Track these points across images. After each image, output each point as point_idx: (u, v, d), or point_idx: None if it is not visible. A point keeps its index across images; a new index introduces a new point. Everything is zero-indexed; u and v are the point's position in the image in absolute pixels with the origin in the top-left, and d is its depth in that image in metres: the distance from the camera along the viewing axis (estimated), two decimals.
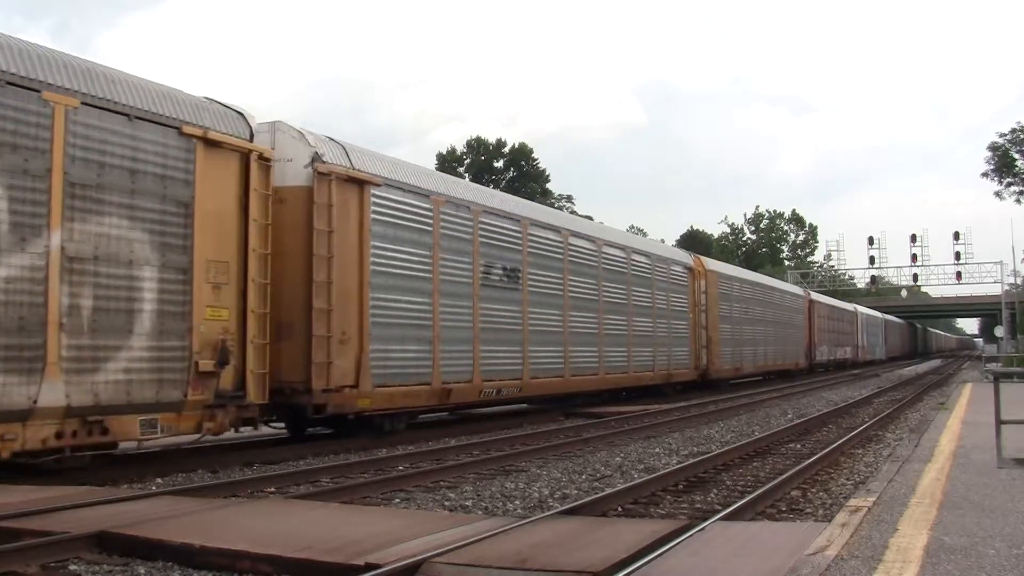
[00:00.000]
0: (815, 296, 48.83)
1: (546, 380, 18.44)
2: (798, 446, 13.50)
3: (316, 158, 12.67)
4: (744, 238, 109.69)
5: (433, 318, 14.77)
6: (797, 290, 46.48)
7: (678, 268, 26.54)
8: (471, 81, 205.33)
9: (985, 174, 56.34)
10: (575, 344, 19.53)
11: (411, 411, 14.84)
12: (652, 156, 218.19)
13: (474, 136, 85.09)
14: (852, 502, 7.20)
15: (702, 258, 30.45)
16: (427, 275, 14.73)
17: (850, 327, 56.31)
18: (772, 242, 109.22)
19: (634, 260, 23.25)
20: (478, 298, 16.07)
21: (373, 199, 13.52)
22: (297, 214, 12.47)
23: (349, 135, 15.14)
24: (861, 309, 62.26)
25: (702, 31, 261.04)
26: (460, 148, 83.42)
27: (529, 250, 17.91)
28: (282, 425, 13.60)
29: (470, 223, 16.00)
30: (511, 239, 17.38)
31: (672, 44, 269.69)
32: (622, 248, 22.97)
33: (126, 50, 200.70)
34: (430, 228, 14.84)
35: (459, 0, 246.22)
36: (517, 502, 8.76)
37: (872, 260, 72.64)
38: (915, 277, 73.08)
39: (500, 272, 16.91)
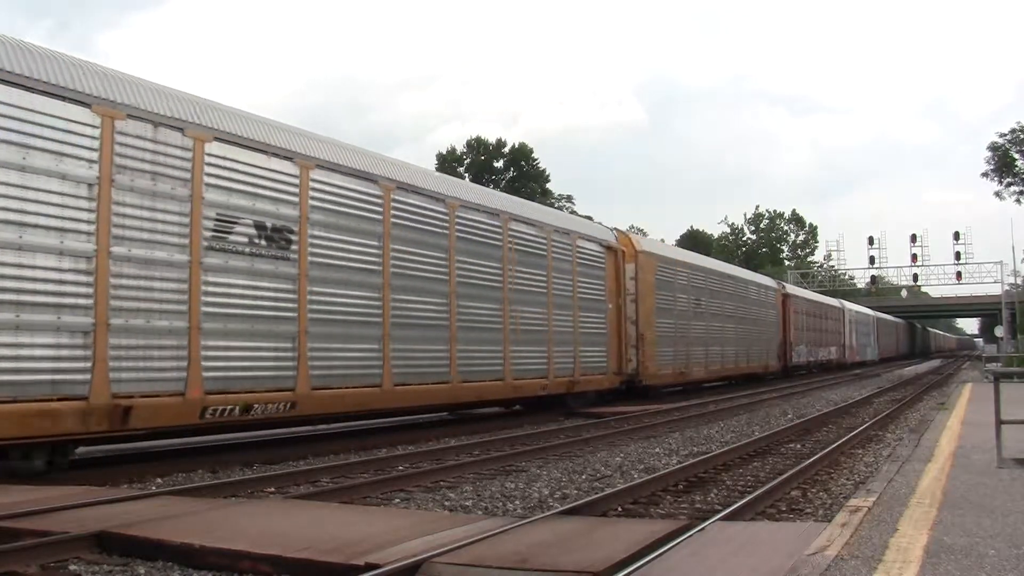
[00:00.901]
0: (792, 289, 43.94)
1: (339, 392, 12.86)
2: (798, 446, 13.50)
3: None
4: (744, 238, 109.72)
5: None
6: (768, 282, 40.67)
7: (590, 246, 20.86)
8: (472, 81, 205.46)
9: (985, 174, 56.45)
10: (409, 339, 14.41)
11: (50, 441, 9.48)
12: (652, 156, 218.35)
13: (474, 136, 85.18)
14: (852, 502, 7.20)
15: (634, 236, 25.32)
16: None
17: (836, 325, 51.29)
18: (772, 242, 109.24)
19: (515, 231, 17.72)
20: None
21: None
22: None
23: (349, 135, 15.12)
24: (849, 306, 57.56)
25: (703, 31, 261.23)
26: (460, 148, 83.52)
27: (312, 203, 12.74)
28: None
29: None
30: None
31: (673, 44, 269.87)
32: (493, 214, 17.14)
33: (128, 50, 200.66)
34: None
35: (463, 2, 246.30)
36: (517, 502, 8.76)
37: (872, 260, 72.74)
38: (915, 277, 73.16)
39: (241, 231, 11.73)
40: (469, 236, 16.30)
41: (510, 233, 17.53)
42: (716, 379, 30.73)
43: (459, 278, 15.82)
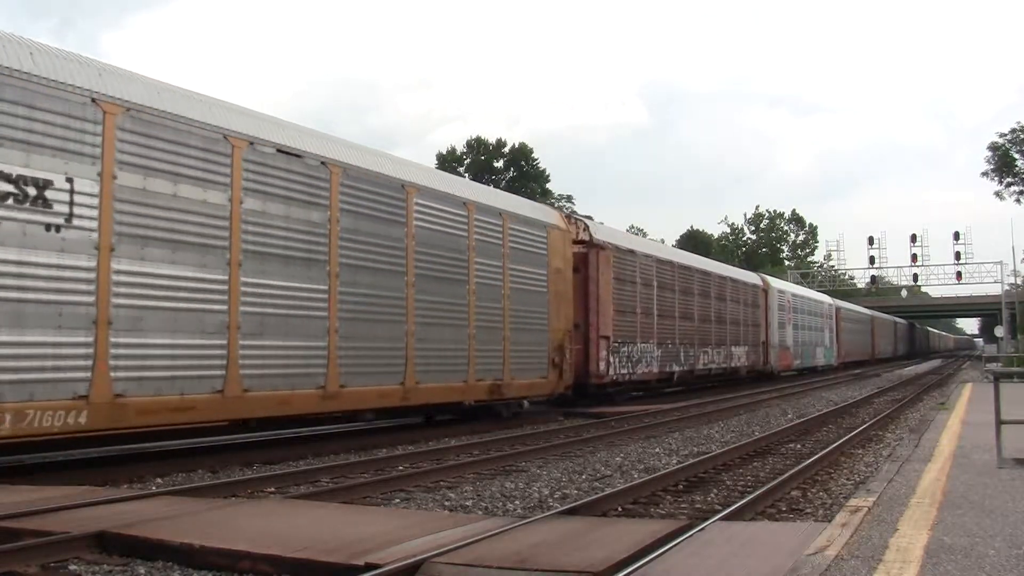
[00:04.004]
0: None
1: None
2: (798, 446, 13.50)
3: None
4: (744, 238, 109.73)
5: None
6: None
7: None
8: (474, 82, 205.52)
9: (985, 174, 56.51)
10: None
11: None
12: (653, 156, 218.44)
13: (474, 136, 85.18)
14: (852, 502, 7.20)
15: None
16: None
17: (749, 314, 33.71)
18: (772, 242, 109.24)
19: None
20: None
21: None
22: None
23: (351, 135, 14.98)
24: (778, 284, 41.07)
25: (704, 32, 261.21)
26: (460, 148, 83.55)
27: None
28: None
29: None
30: None
31: (675, 45, 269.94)
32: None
33: (132, 49, 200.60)
34: None
35: (464, 3, 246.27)
36: (517, 502, 8.75)
37: (872, 260, 72.72)
38: (915, 277, 73.16)
39: None
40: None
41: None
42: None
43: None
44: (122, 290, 9.87)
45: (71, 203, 9.42)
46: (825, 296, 53.08)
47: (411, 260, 14.19)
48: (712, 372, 29.55)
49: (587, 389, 20.58)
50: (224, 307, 11.07)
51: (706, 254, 47.59)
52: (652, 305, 24.48)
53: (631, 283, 23.18)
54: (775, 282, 40.56)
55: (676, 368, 25.88)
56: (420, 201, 14.56)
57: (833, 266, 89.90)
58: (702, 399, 23.75)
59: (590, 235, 21.11)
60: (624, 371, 22.13)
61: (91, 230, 9.60)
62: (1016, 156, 54.97)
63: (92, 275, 9.58)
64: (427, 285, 14.51)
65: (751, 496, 8.38)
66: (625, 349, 22.33)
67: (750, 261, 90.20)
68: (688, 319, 27.14)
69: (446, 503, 8.64)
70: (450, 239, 15.37)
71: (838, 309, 52.16)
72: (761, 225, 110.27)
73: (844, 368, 52.01)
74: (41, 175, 9.17)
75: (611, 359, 21.28)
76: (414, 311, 14.15)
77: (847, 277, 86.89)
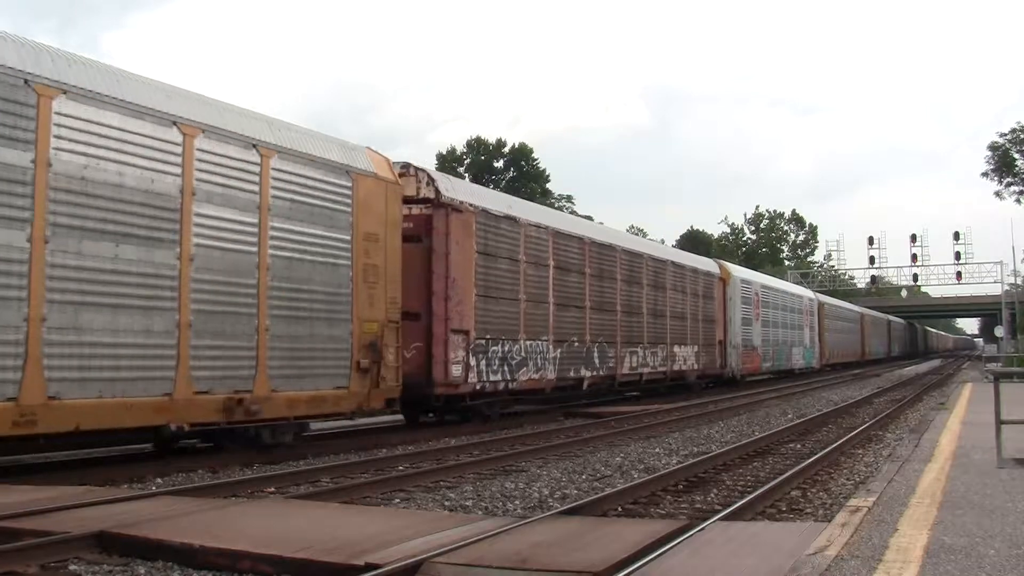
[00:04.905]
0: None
1: None
2: (798, 446, 13.50)
3: None
4: (744, 238, 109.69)
5: None
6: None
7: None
8: (475, 83, 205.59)
9: (985, 174, 56.43)
10: None
11: None
12: (653, 157, 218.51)
13: (474, 136, 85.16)
14: (852, 502, 7.20)
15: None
16: None
17: (700, 305, 27.84)
18: (772, 242, 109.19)
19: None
20: None
21: None
22: None
23: (351, 136, 14.54)
24: (741, 272, 34.57)
25: (705, 33, 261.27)
26: (460, 148, 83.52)
27: None
28: None
29: None
30: None
31: (676, 46, 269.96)
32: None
33: (131, 50, 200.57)
34: None
35: (467, 5, 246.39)
36: (517, 502, 8.76)
37: (872, 260, 72.65)
38: (915, 277, 73.10)
39: None
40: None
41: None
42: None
43: None
44: None
45: None
46: (805, 290, 48.15)
47: (42, 203, 9.09)
48: (644, 378, 23.19)
49: (430, 402, 15.45)
50: None
51: (706, 254, 45.32)
52: (547, 291, 18.42)
53: (510, 260, 17.24)
54: (738, 271, 34.61)
55: (586, 373, 19.89)
56: (68, 113, 9.43)
57: (833, 266, 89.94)
58: (702, 399, 23.76)
59: (436, 191, 15.28)
60: (496, 378, 16.47)
61: None
62: (1016, 156, 54.93)
63: None
64: (81, 243, 9.44)
65: (751, 496, 8.38)
66: (498, 348, 16.59)
67: (750, 261, 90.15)
68: (606, 311, 21.10)
69: (446, 503, 8.65)
70: (139, 177, 10.02)
71: (821, 304, 47.19)
72: (761, 225, 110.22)
73: (833, 370, 47.73)
74: None
75: (473, 361, 15.72)
76: (46, 281, 9.06)
77: (847, 277, 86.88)
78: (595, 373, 20.44)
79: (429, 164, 20.43)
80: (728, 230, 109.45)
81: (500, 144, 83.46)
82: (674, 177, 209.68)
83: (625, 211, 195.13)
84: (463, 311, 15.60)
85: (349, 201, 13.08)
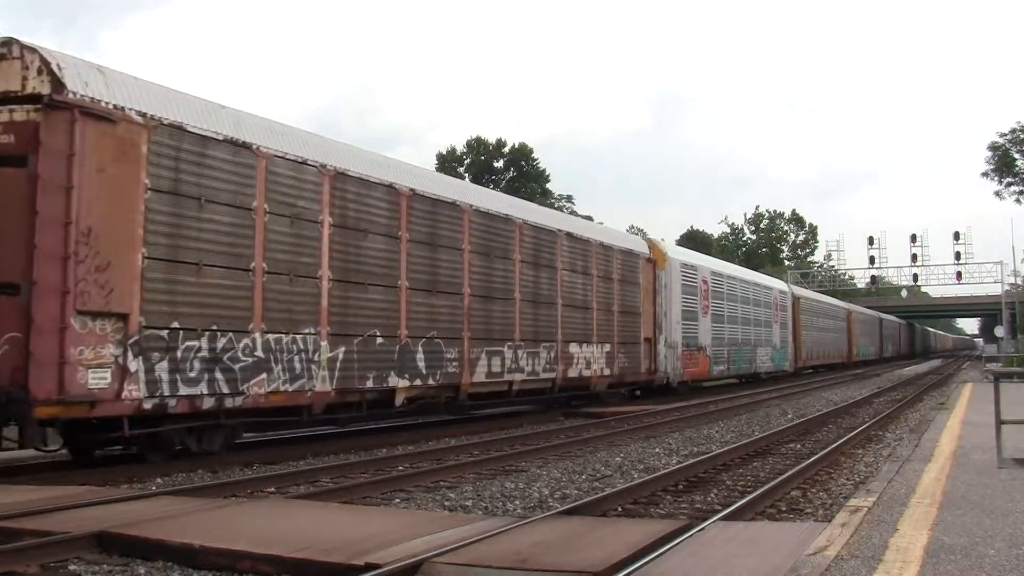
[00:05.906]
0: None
1: None
2: (798, 446, 13.49)
3: None
4: (744, 238, 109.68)
5: None
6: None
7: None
8: (476, 84, 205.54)
9: (985, 174, 56.41)
10: None
11: None
12: (654, 157, 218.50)
13: (474, 136, 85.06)
14: (852, 502, 7.20)
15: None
16: None
17: (617, 293, 21.68)
18: (772, 242, 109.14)
19: None
20: None
21: None
22: None
23: (353, 136, 14.45)
24: (681, 255, 27.77)
25: (705, 33, 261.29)
26: (460, 148, 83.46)
27: None
28: None
29: None
30: None
31: (676, 46, 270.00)
32: None
33: (129, 51, 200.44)
34: None
35: (469, 9, 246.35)
36: (517, 502, 8.75)
37: (872, 260, 72.52)
38: (915, 277, 72.98)
39: None
40: None
41: None
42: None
43: None
44: None
45: None
46: (776, 281, 41.10)
47: None
48: (514, 387, 17.25)
49: (26, 437, 9.59)
50: None
51: (707, 254, 41.60)
52: (318, 261, 12.56)
53: (234, 208, 11.28)
54: (679, 252, 28.17)
55: (400, 382, 13.97)
56: None
57: (833, 266, 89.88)
58: (702, 399, 23.74)
59: (55, 82, 9.43)
60: (195, 390, 10.67)
61: None
62: (1016, 156, 54.91)
63: None
64: None
65: (751, 496, 8.38)
66: (200, 344, 10.75)
67: (750, 261, 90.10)
68: (444, 293, 15.23)
69: (446, 503, 8.64)
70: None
71: (797, 299, 40.91)
72: (761, 225, 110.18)
73: (815, 373, 43.62)
74: None
75: (136, 364, 9.89)
76: None
77: (847, 277, 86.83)
78: (419, 382, 14.49)
79: (429, 164, 19.71)
80: (728, 230, 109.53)
81: (500, 144, 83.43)
82: (674, 177, 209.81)
83: (626, 211, 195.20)
84: (112, 281, 9.73)
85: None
